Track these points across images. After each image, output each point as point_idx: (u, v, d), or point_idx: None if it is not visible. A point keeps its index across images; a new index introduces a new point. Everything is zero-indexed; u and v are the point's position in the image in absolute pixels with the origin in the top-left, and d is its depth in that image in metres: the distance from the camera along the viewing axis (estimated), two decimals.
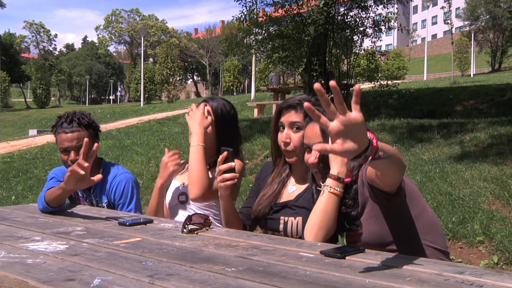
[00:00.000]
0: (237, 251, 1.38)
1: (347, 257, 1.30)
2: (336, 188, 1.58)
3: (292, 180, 1.92)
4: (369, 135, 1.10)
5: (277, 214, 1.85)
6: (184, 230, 1.66)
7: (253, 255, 1.34)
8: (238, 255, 1.33)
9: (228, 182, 1.75)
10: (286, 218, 1.82)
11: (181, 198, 2.17)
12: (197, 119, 2.09)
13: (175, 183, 2.23)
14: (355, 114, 1.03)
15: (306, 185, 1.84)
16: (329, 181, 1.60)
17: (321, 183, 1.63)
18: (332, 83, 1.01)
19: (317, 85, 0.99)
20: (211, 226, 1.74)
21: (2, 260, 1.28)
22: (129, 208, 2.34)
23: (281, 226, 1.83)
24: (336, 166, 1.60)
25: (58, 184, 2.29)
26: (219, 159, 1.76)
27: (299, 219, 1.78)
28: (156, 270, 1.18)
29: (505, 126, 6.42)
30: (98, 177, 1.96)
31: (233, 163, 1.76)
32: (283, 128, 1.84)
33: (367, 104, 10.85)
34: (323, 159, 1.63)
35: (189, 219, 1.69)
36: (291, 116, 1.82)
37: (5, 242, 1.50)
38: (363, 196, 1.56)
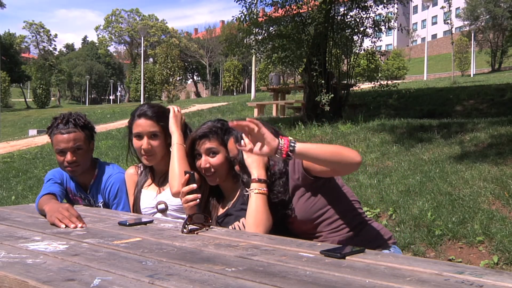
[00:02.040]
0: (237, 251, 1.38)
1: (347, 257, 1.30)
2: (259, 189, 1.79)
3: (223, 195, 2.07)
4: (284, 140, 1.54)
5: (224, 226, 1.96)
6: (184, 230, 1.66)
7: (253, 255, 1.34)
8: (238, 255, 1.33)
9: (191, 203, 1.88)
10: (233, 225, 1.93)
11: (160, 207, 2.21)
12: (181, 121, 2.24)
13: (149, 193, 2.26)
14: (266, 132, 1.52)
15: (237, 193, 2.00)
16: (253, 185, 1.80)
17: (247, 189, 1.84)
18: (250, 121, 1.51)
19: (232, 123, 1.52)
20: (211, 226, 1.74)
21: (2, 260, 1.28)
22: (123, 209, 2.34)
23: None
24: (254, 170, 1.82)
25: (55, 186, 2.29)
26: (182, 182, 1.91)
27: (243, 219, 1.89)
28: (156, 270, 1.18)
29: (505, 126, 6.42)
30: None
31: (194, 185, 1.88)
32: (200, 156, 1.99)
33: (367, 104, 10.85)
34: (243, 166, 1.87)
35: (189, 219, 1.69)
36: (206, 144, 1.98)
37: (5, 242, 1.51)
38: (294, 181, 1.81)
